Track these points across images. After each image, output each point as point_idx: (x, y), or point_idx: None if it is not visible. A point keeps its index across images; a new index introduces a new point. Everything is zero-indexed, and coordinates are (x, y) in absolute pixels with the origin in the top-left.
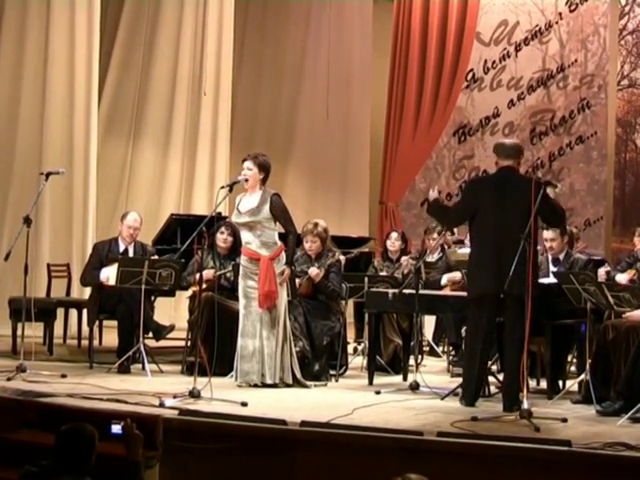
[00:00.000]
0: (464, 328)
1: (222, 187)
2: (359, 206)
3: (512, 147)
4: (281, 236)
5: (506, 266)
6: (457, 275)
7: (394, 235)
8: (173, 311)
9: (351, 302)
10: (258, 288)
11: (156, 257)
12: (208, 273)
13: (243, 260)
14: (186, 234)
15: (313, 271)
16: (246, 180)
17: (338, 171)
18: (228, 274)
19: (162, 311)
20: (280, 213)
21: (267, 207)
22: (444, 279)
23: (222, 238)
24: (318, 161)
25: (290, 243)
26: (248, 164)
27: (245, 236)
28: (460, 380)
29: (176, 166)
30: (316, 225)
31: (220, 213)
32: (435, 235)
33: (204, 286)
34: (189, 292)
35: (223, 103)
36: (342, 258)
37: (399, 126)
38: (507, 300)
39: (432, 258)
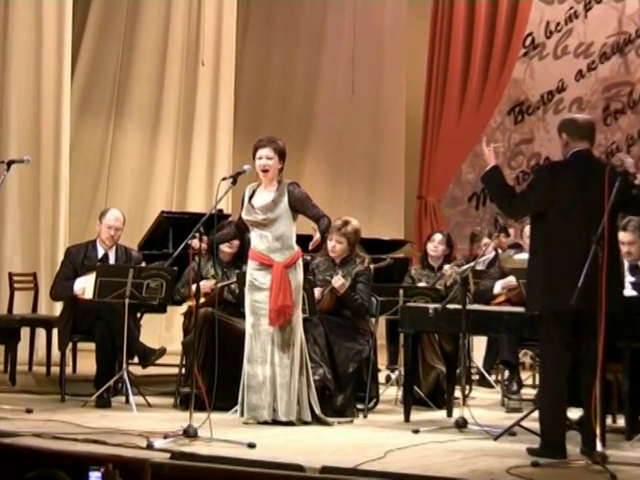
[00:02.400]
0: (523, 351)
1: (224, 179)
2: (392, 202)
3: (587, 125)
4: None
5: (590, 275)
6: (513, 280)
7: (436, 237)
8: (164, 331)
9: (383, 320)
10: (269, 302)
11: (143, 264)
12: (207, 284)
13: (251, 267)
14: (180, 236)
15: (337, 280)
16: (265, 171)
17: (366, 159)
18: (232, 285)
19: (150, 331)
20: (303, 202)
21: (285, 200)
22: (497, 287)
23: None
24: (342, 147)
25: (325, 222)
26: (267, 152)
27: (256, 237)
28: (517, 416)
29: (167, 153)
30: (346, 223)
31: (221, 210)
32: (485, 240)
33: (202, 300)
34: (184, 308)
35: (225, 76)
36: (372, 266)
37: (441, 104)
38: (580, 318)
39: (482, 266)
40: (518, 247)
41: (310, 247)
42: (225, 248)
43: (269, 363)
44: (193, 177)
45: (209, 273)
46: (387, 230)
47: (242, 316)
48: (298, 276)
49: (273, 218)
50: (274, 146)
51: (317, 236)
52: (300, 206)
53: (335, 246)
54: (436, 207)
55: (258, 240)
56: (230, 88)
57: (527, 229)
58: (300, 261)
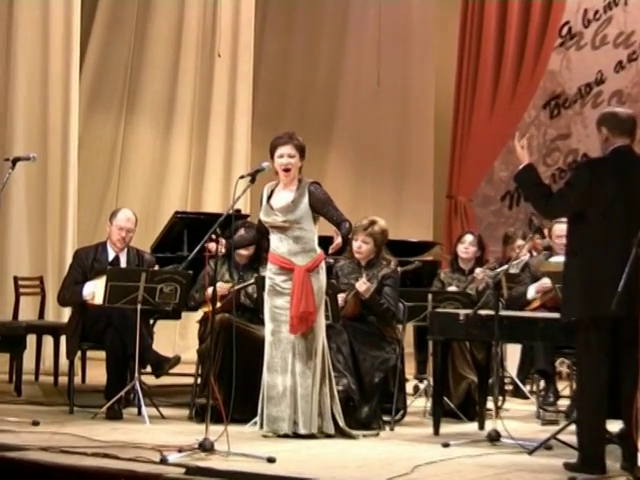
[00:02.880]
0: (559, 360)
1: (241, 177)
2: (420, 201)
3: (628, 119)
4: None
5: (632, 279)
6: (547, 282)
7: (467, 238)
8: (178, 338)
9: (410, 326)
10: (290, 308)
11: (156, 268)
12: (224, 286)
13: (270, 271)
14: (195, 238)
15: (362, 284)
16: (286, 170)
17: (393, 156)
18: (250, 289)
19: (164, 339)
20: (324, 204)
21: (306, 201)
22: (531, 291)
23: None
24: (367, 143)
25: (347, 225)
26: (289, 150)
27: (276, 240)
28: (553, 429)
29: (181, 150)
30: (373, 223)
31: (239, 210)
32: (519, 242)
33: (218, 305)
34: (199, 314)
35: (243, 67)
36: (399, 269)
37: (472, 97)
38: (620, 324)
39: (516, 269)
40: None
41: (330, 251)
42: (241, 251)
43: (290, 373)
44: (209, 175)
45: (224, 277)
46: (415, 231)
47: (261, 322)
48: (321, 280)
49: (293, 220)
50: (295, 143)
51: (338, 240)
52: (321, 208)
53: (361, 247)
54: (467, 207)
55: (278, 243)
56: (248, 81)
57: (556, 228)
58: (323, 264)
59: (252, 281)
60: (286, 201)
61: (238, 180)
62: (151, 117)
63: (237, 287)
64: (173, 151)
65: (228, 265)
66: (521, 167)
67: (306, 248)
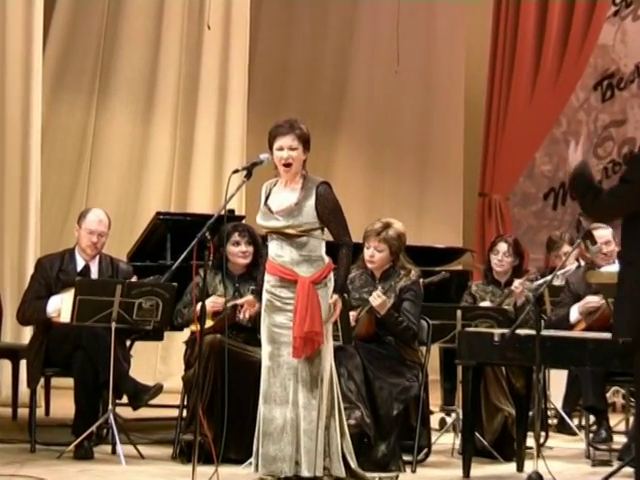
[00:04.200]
0: (613, 389)
1: (235, 171)
2: (448, 200)
3: None
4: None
5: None
6: (592, 300)
7: (501, 248)
8: (160, 363)
9: (436, 348)
10: (293, 327)
11: (134, 279)
12: (217, 301)
13: (269, 283)
14: (180, 243)
15: (376, 298)
16: (287, 165)
17: (415, 144)
18: (242, 299)
19: (143, 363)
20: (330, 213)
21: (312, 203)
22: (574, 313)
23: (238, 251)
24: (384, 130)
25: (342, 259)
26: (290, 141)
27: (275, 247)
28: (606, 470)
29: (164, 139)
30: (387, 226)
31: (233, 211)
32: (565, 248)
33: (210, 323)
34: (185, 334)
35: (237, 42)
36: (421, 280)
37: (509, 77)
38: None
39: (561, 281)
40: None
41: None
42: (237, 258)
43: (291, 404)
44: (196, 169)
45: (217, 290)
46: (441, 235)
47: (259, 344)
48: (329, 294)
49: (297, 225)
50: (298, 133)
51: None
52: (325, 216)
53: (374, 255)
54: (503, 206)
55: (278, 250)
56: (243, 57)
57: (598, 235)
58: (332, 276)
59: (249, 297)
60: (288, 203)
61: (231, 175)
62: (128, 99)
63: (232, 303)
64: (154, 140)
65: (222, 275)
66: (577, 168)
67: (312, 256)
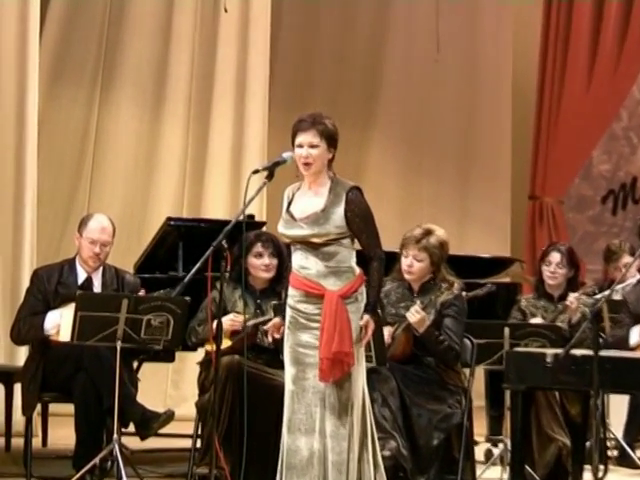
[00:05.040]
0: None
1: (256, 171)
2: (494, 204)
3: None
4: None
5: None
6: None
7: (553, 258)
8: (171, 387)
9: (481, 371)
10: (319, 346)
11: (142, 293)
12: (236, 319)
13: (293, 298)
14: (193, 253)
15: (414, 314)
16: (307, 164)
17: (457, 142)
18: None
19: (152, 387)
20: (361, 221)
21: (341, 210)
22: (634, 335)
23: (261, 263)
24: (422, 125)
25: (374, 274)
26: (310, 137)
27: (300, 258)
28: None
29: (175, 137)
30: (428, 233)
31: (252, 217)
32: (626, 258)
33: (228, 344)
34: (199, 354)
35: (257, 28)
36: (464, 294)
37: (563, 66)
38: None
39: (621, 295)
40: None
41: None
42: (259, 271)
43: (318, 433)
44: (212, 170)
45: (236, 306)
46: (486, 244)
47: (281, 367)
48: (360, 310)
49: (324, 234)
50: (320, 128)
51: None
52: (356, 225)
53: (412, 265)
54: (556, 211)
55: (303, 261)
56: (264, 45)
57: None
58: (363, 289)
59: (271, 316)
60: (314, 209)
61: (251, 175)
62: (134, 93)
63: (252, 322)
64: (164, 138)
65: (242, 289)
66: None
67: (340, 268)
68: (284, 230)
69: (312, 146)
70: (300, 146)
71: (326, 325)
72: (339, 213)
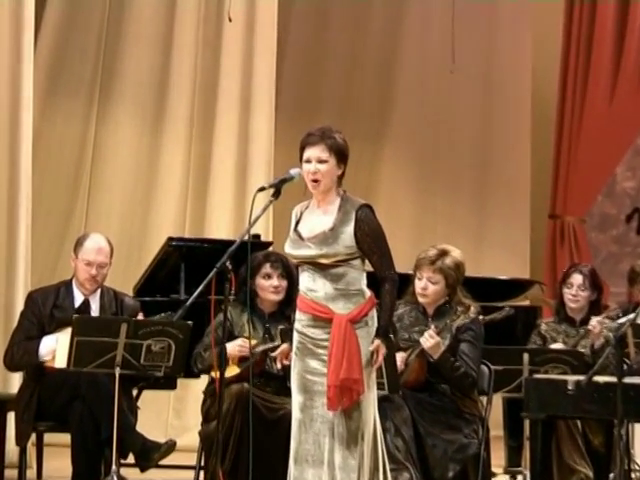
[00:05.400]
0: None
1: (261, 189)
2: (512, 222)
3: None
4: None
5: None
6: None
7: (575, 280)
8: (173, 416)
9: (499, 398)
10: (327, 373)
11: (141, 317)
12: (242, 347)
13: (301, 323)
14: (196, 275)
15: (428, 339)
16: (315, 181)
17: (473, 160)
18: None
19: (153, 416)
20: (372, 241)
21: (350, 229)
22: None
23: (269, 285)
24: (436, 139)
25: (385, 296)
26: (319, 152)
27: (308, 280)
28: None
29: (177, 153)
30: (443, 254)
31: (258, 236)
32: None
33: (235, 371)
34: (203, 382)
35: (263, 36)
36: (481, 317)
37: (585, 78)
38: None
39: None
40: None
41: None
42: (268, 294)
43: (326, 465)
44: (215, 187)
45: (245, 330)
46: (504, 265)
47: (288, 395)
48: (371, 335)
49: (333, 254)
50: (329, 142)
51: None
52: (367, 247)
53: (427, 287)
54: (578, 230)
55: (310, 283)
56: (271, 56)
57: None
58: (374, 313)
59: (280, 342)
60: (322, 228)
61: (256, 193)
62: (134, 107)
63: (261, 348)
64: (165, 154)
65: (250, 313)
66: None
67: (349, 290)
68: (291, 250)
69: (321, 161)
70: (308, 161)
71: (334, 351)
72: (348, 232)
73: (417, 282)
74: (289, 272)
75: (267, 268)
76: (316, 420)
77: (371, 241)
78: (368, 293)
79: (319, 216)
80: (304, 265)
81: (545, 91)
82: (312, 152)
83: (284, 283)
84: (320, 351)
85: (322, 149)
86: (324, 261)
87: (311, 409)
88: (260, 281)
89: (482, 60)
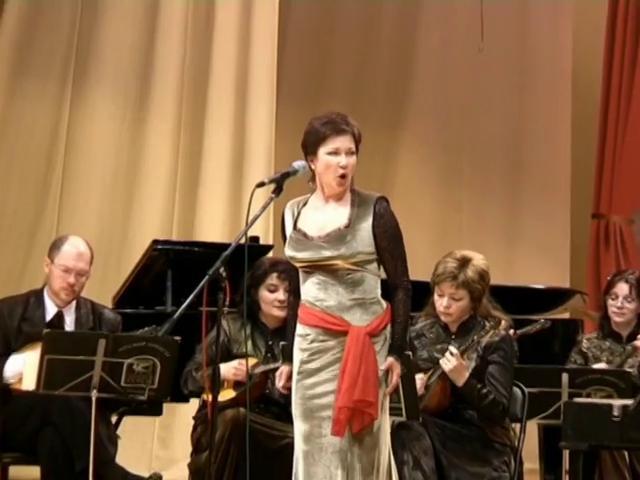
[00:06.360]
0: None
1: (261, 184)
2: (550, 223)
3: None
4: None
5: None
6: None
7: (623, 287)
8: (158, 446)
9: (533, 426)
10: (338, 392)
11: (119, 332)
12: (238, 370)
13: (306, 338)
14: (185, 283)
15: (449, 361)
16: (343, 177)
17: (505, 151)
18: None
19: (136, 446)
20: (391, 241)
21: (368, 225)
22: None
23: (274, 299)
24: (462, 130)
25: (399, 307)
26: (349, 142)
27: (316, 287)
28: None
29: (163, 143)
30: (464, 264)
31: (257, 239)
32: None
33: (231, 395)
34: (193, 406)
35: (261, 13)
36: (511, 332)
37: (632, 62)
38: None
39: None
40: None
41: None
42: (273, 308)
43: None
44: (207, 184)
45: (242, 348)
46: (540, 271)
47: (290, 421)
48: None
49: (349, 255)
50: (355, 131)
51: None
52: (384, 246)
53: (450, 305)
54: (625, 232)
55: (320, 291)
56: (271, 33)
57: None
58: (390, 326)
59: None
60: (335, 224)
61: (254, 190)
62: (114, 90)
63: (260, 369)
64: (149, 145)
65: (252, 327)
66: None
67: (366, 299)
68: (294, 252)
69: (350, 153)
70: (336, 153)
71: (349, 367)
72: (366, 229)
73: (437, 299)
74: (298, 287)
75: (273, 279)
76: (326, 450)
77: (389, 240)
78: (385, 305)
79: (330, 212)
80: (310, 270)
81: (586, 76)
82: (342, 142)
83: (291, 297)
84: (331, 369)
85: (350, 139)
86: (340, 264)
87: (319, 438)
88: (264, 293)
89: (515, 37)
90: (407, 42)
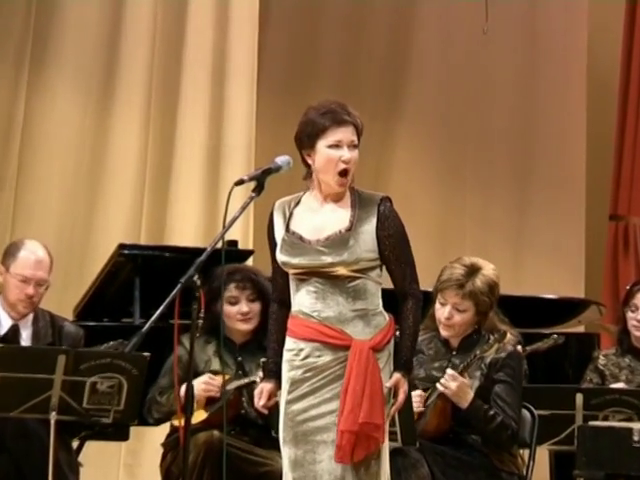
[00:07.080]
0: None
1: (239, 182)
2: (563, 225)
3: None
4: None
5: None
6: None
7: None
8: (124, 475)
9: (544, 453)
10: (340, 414)
11: (81, 347)
12: (210, 384)
13: (297, 353)
14: (155, 292)
15: (450, 380)
16: (344, 173)
17: (512, 143)
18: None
19: (100, 475)
20: (397, 245)
21: (371, 228)
22: None
23: (236, 312)
24: (465, 120)
25: (408, 317)
26: (350, 134)
27: (312, 296)
28: None
29: (130, 136)
30: (472, 272)
31: (235, 243)
32: None
33: (203, 416)
34: (164, 429)
35: None
36: (520, 348)
37: None
38: None
39: None
40: None
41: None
42: (235, 322)
43: None
44: (179, 179)
45: (211, 365)
46: (552, 279)
47: (275, 447)
48: (392, 368)
49: (353, 260)
50: (357, 123)
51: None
52: (390, 251)
53: (452, 316)
54: None
55: (316, 301)
56: (251, 9)
57: None
58: (393, 341)
59: (259, 377)
60: (336, 227)
61: (233, 188)
62: (75, 76)
63: (234, 385)
64: (115, 138)
65: (219, 343)
66: None
67: (369, 310)
68: (288, 258)
69: (353, 146)
70: (337, 146)
71: (351, 385)
72: (370, 232)
73: (439, 308)
74: (262, 292)
75: (232, 291)
76: (320, 478)
77: (395, 245)
78: (387, 318)
79: (327, 213)
80: (306, 277)
81: (603, 65)
82: (344, 134)
83: (255, 307)
84: (329, 388)
85: (352, 131)
86: (341, 271)
87: (313, 465)
88: (225, 307)
89: (523, 18)
90: (403, 21)
